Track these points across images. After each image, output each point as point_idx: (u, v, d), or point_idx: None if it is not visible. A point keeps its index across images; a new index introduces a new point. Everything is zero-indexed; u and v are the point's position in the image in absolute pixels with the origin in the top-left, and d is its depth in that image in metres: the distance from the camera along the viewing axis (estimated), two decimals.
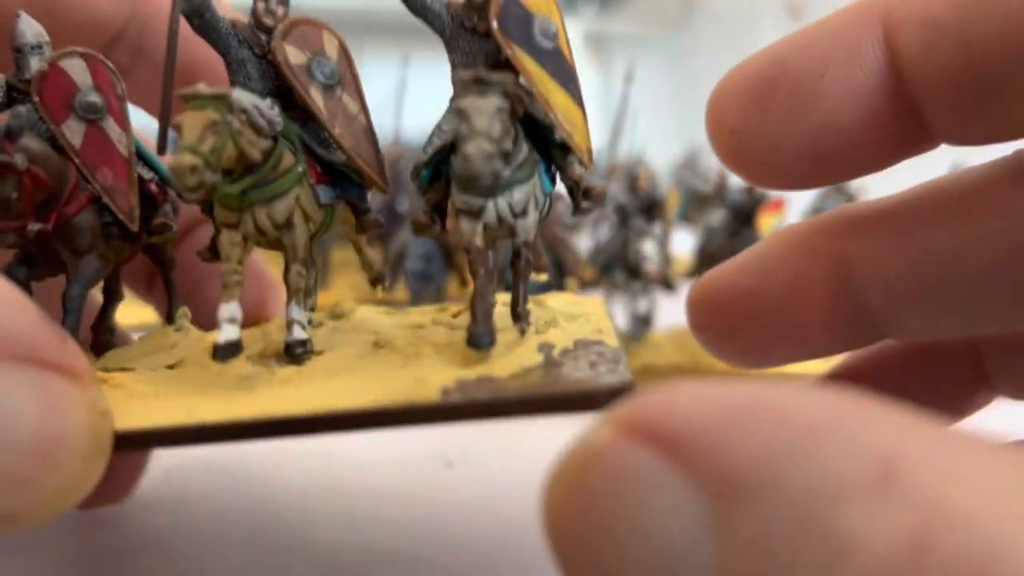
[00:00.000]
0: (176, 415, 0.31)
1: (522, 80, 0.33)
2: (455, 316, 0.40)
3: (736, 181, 0.83)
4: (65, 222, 0.36)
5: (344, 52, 0.38)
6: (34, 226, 0.34)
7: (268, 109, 0.34)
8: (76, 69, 0.36)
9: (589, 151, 0.35)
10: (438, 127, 0.36)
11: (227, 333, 0.34)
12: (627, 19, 2.33)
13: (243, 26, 0.36)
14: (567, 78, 0.34)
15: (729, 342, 0.38)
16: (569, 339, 0.35)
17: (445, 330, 0.38)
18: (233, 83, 0.36)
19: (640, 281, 0.75)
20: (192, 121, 0.31)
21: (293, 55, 0.35)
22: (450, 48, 0.36)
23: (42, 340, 0.19)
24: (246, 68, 0.36)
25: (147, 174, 0.40)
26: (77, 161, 0.35)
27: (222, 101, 0.32)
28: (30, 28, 0.36)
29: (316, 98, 0.35)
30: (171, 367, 0.37)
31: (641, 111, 1.24)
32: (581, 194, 0.36)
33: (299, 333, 0.35)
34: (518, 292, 0.37)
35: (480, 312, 0.33)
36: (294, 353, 0.35)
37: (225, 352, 0.33)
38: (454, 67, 0.36)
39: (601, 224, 0.82)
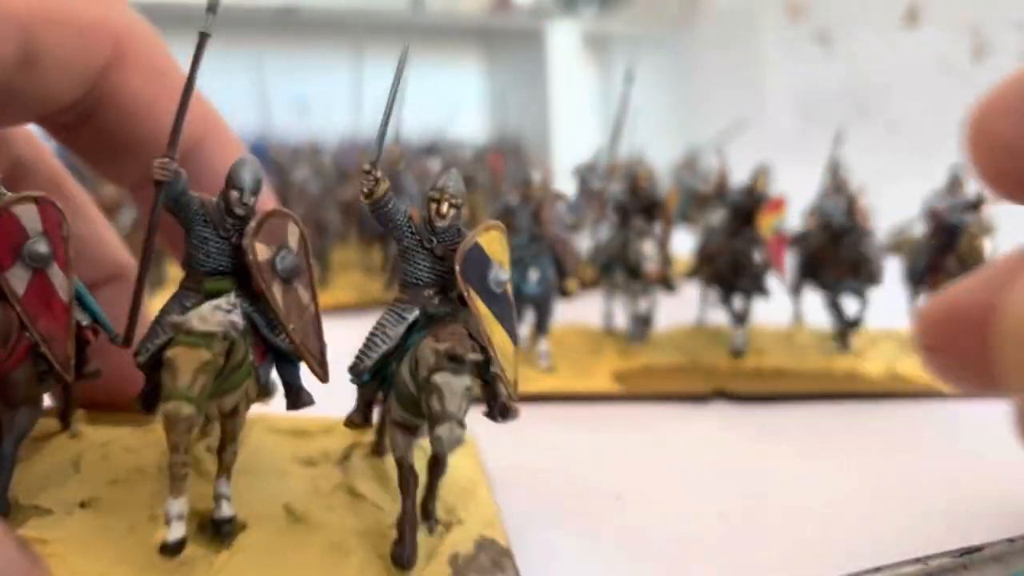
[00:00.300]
0: None
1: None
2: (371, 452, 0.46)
3: (735, 181, 0.83)
4: (3, 376, 0.34)
5: (303, 241, 0.39)
6: None
7: (237, 317, 0.34)
8: (28, 215, 0.34)
9: (515, 383, 0.38)
10: (382, 331, 0.38)
11: (175, 532, 0.33)
12: (627, 19, 2.33)
13: (211, 207, 0.38)
14: (507, 318, 0.38)
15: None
16: (469, 540, 0.38)
17: (355, 508, 0.40)
18: (192, 257, 0.38)
19: (640, 281, 0.75)
20: (186, 361, 0.32)
21: (261, 251, 0.36)
22: (404, 258, 0.39)
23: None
24: (207, 246, 0.38)
25: (84, 319, 0.39)
26: (19, 309, 0.34)
27: (214, 339, 0.32)
28: None
29: (276, 293, 0.37)
30: (83, 505, 0.37)
31: (641, 111, 1.24)
32: (499, 410, 0.39)
33: (226, 510, 0.37)
34: (432, 489, 0.39)
35: (408, 533, 0.36)
36: (222, 531, 0.36)
37: (174, 551, 0.33)
38: (403, 277, 0.39)
39: (601, 224, 0.82)
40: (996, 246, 0.73)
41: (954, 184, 0.78)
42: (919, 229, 0.82)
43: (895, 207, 0.87)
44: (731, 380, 0.71)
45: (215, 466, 0.38)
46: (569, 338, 0.82)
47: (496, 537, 0.39)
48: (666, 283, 0.81)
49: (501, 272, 0.38)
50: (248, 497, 0.39)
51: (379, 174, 0.37)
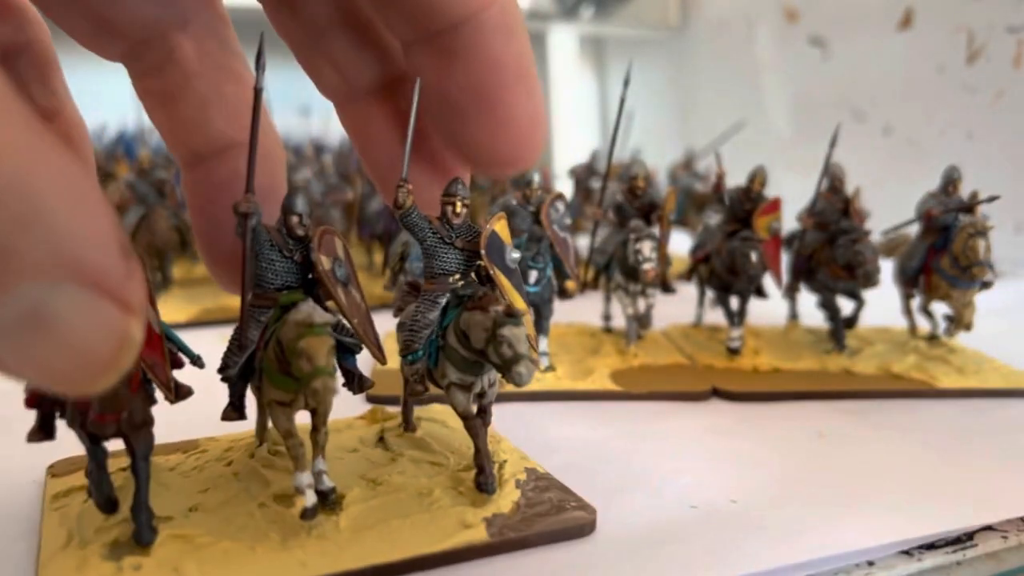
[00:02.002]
0: (290, 570, 0.37)
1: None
2: (385, 422, 0.56)
3: (732, 183, 0.83)
4: (129, 402, 0.39)
5: (346, 251, 0.46)
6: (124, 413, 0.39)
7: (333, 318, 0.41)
8: None
9: (535, 337, 0.48)
10: (423, 316, 0.46)
11: (311, 498, 0.41)
12: (624, 23, 2.33)
13: (275, 232, 0.44)
14: (520, 288, 0.48)
15: None
16: (520, 470, 0.48)
17: (419, 469, 0.48)
18: (261, 278, 0.44)
19: (639, 282, 0.76)
20: (319, 347, 0.38)
21: (325, 262, 0.43)
22: (429, 254, 0.47)
23: (111, 272, 0.21)
24: (275, 266, 0.44)
25: (172, 347, 0.44)
26: None
27: (328, 328, 0.39)
28: None
29: (340, 296, 0.43)
30: (192, 509, 0.43)
31: (639, 113, 1.25)
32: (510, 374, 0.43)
33: (327, 482, 0.43)
34: (484, 438, 0.46)
35: (486, 466, 0.45)
36: (328, 500, 0.43)
37: (312, 514, 0.41)
38: (431, 270, 0.47)
39: (601, 225, 0.82)
40: (990, 246, 0.74)
41: (948, 186, 0.79)
42: (913, 230, 0.83)
43: (890, 208, 0.88)
44: (728, 379, 0.72)
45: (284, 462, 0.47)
46: (568, 338, 0.83)
47: (535, 467, 0.49)
48: (664, 284, 0.82)
49: (514, 252, 0.47)
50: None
51: (411, 186, 0.43)
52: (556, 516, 0.43)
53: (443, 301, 0.47)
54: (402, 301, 0.52)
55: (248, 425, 0.49)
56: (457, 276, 0.47)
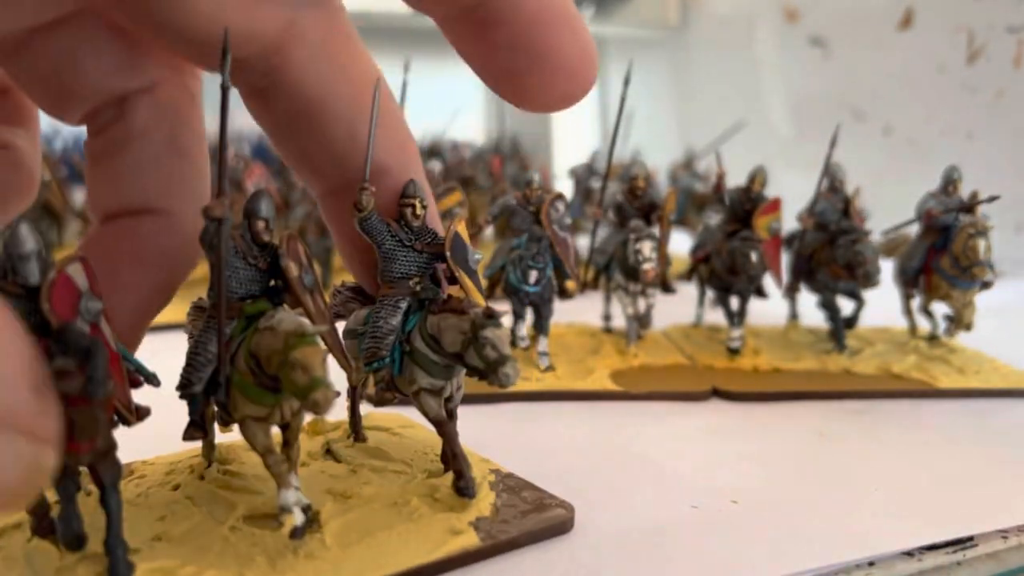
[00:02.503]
0: None
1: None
2: (331, 431, 0.53)
3: (732, 182, 0.83)
4: None
5: (308, 256, 0.44)
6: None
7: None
8: (77, 273, 0.36)
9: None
10: (385, 322, 0.45)
11: (299, 517, 0.39)
12: (624, 22, 2.33)
13: (238, 239, 0.41)
14: (481, 288, 0.47)
15: None
16: (490, 473, 0.47)
17: (384, 478, 0.47)
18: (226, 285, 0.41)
19: (639, 282, 0.76)
20: (314, 356, 0.36)
21: (293, 269, 0.41)
22: (388, 258, 0.46)
23: (21, 409, 0.22)
24: (239, 274, 0.41)
25: (130, 366, 0.41)
26: None
27: (319, 336, 0.38)
28: (31, 237, 0.35)
29: (309, 303, 0.42)
30: (158, 539, 0.40)
31: (639, 113, 1.25)
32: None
33: (303, 499, 0.41)
34: (455, 440, 0.46)
35: (464, 470, 0.44)
36: (307, 515, 0.40)
37: (301, 533, 0.39)
38: (389, 275, 0.46)
39: (601, 225, 0.82)
40: (990, 246, 0.74)
41: (948, 186, 0.79)
42: (913, 230, 0.83)
43: (890, 208, 0.88)
44: (728, 379, 0.72)
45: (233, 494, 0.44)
46: (568, 338, 0.83)
47: (499, 468, 0.49)
48: (664, 284, 0.82)
49: (476, 253, 0.47)
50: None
51: (373, 189, 0.43)
52: (539, 515, 0.43)
53: (404, 305, 0.45)
54: (343, 308, 0.50)
55: (176, 446, 0.46)
56: (416, 279, 0.46)
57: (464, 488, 0.44)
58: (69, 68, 0.39)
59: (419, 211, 0.45)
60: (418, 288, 0.45)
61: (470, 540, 0.40)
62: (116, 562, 0.36)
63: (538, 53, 0.36)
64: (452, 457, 0.45)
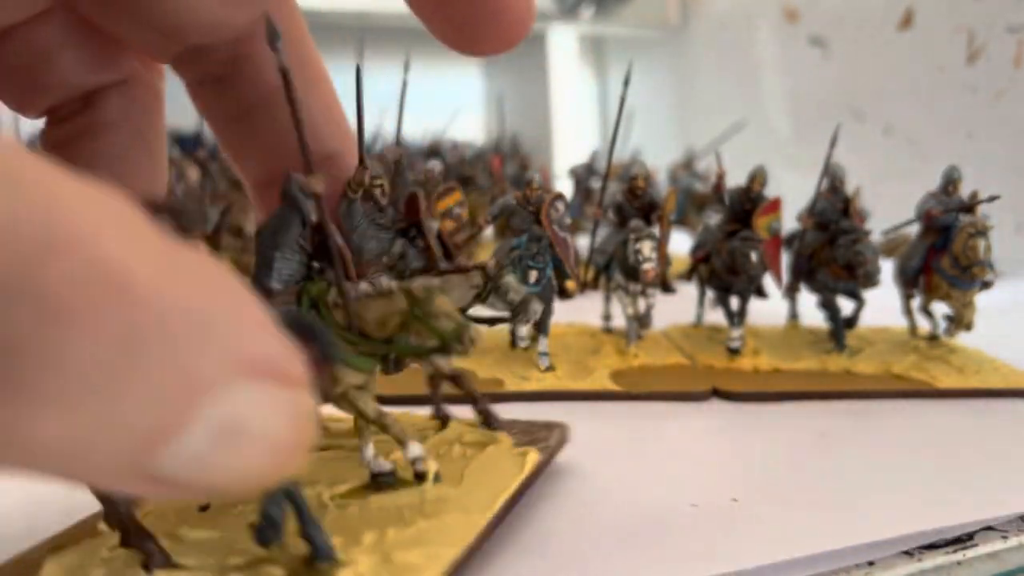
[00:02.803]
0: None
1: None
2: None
3: (733, 182, 0.83)
4: None
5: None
6: None
7: None
8: None
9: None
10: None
11: (433, 465, 0.44)
12: (624, 22, 2.33)
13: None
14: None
15: None
16: (467, 423, 0.52)
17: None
18: (290, 273, 0.45)
19: (639, 282, 0.76)
20: (450, 305, 0.40)
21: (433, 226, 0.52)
22: (362, 238, 0.49)
23: (275, 357, 0.21)
24: (290, 264, 0.45)
25: None
26: None
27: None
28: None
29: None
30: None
31: (639, 113, 1.25)
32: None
33: (390, 465, 0.45)
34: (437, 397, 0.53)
35: (491, 412, 0.53)
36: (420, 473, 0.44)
37: (439, 477, 0.44)
38: (368, 253, 0.49)
39: (601, 225, 0.82)
40: (990, 246, 0.74)
41: (948, 186, 0.79)
42: (913, 230, 0.83)
43: (890, 208, 0.88)
44: (728, 379, 0.72)
45: None
46: (568, 338, 0.83)
47: (470, 420, 0.54)
48: (664, 284, 0.82)
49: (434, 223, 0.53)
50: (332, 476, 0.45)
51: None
52: (548, 430, 0.51)
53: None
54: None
55: None
56: (386, 257, 0.51)
57: (500, 425, 0.51)
58: (42, 63, 0.38)
59: (387, 190, 0.50)
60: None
61: (534, 457, 0.47)
62: (317, 545, 0.36)
63: (495, 6, 0.37)
64: (478, 406, 0.52)
